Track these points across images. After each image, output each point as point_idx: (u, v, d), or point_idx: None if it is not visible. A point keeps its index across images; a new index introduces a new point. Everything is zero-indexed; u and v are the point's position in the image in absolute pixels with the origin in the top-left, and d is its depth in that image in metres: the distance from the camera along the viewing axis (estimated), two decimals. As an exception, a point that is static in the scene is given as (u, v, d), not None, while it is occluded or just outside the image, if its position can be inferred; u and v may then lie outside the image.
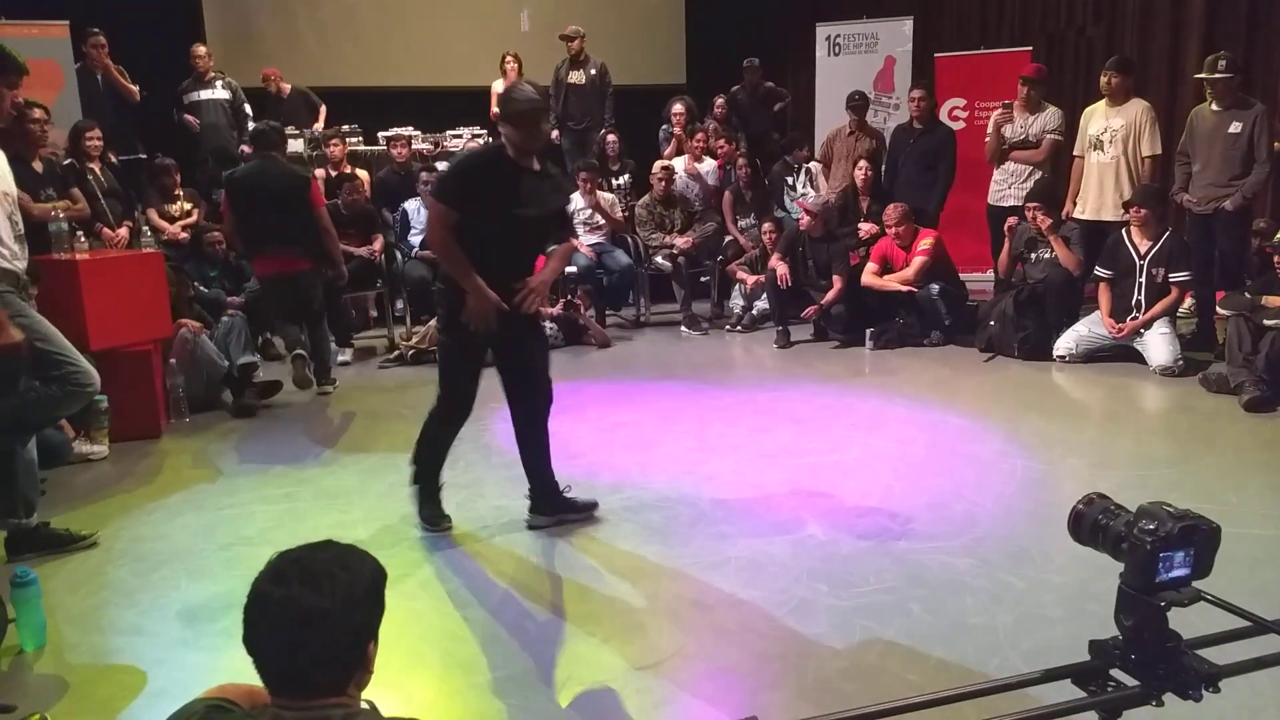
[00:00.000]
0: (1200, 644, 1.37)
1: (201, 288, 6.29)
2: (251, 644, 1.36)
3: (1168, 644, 1.34)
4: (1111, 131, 6.17)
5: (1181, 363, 5.55)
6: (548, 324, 6.81)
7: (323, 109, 8.52)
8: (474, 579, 3.23)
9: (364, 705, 1.40)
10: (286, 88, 8.37)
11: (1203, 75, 5.90)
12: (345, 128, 8.51)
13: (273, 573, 1.38)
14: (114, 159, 6.58)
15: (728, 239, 7.72)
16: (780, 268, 6.65)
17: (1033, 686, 1.40)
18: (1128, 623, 1.32)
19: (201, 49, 7.87)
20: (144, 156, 7.32)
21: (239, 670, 2.01)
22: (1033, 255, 6.25)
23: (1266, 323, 4.94)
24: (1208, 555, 1.34)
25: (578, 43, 8.30)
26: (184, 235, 6.65)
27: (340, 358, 6.50)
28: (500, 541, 3.55)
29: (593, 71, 8.37)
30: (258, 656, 1.36)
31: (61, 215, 4.70)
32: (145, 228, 6.12)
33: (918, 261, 6.42)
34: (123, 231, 6.15)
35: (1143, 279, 5.75)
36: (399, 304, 7.43)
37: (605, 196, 7.63)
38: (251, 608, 1.37)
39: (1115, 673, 1.38)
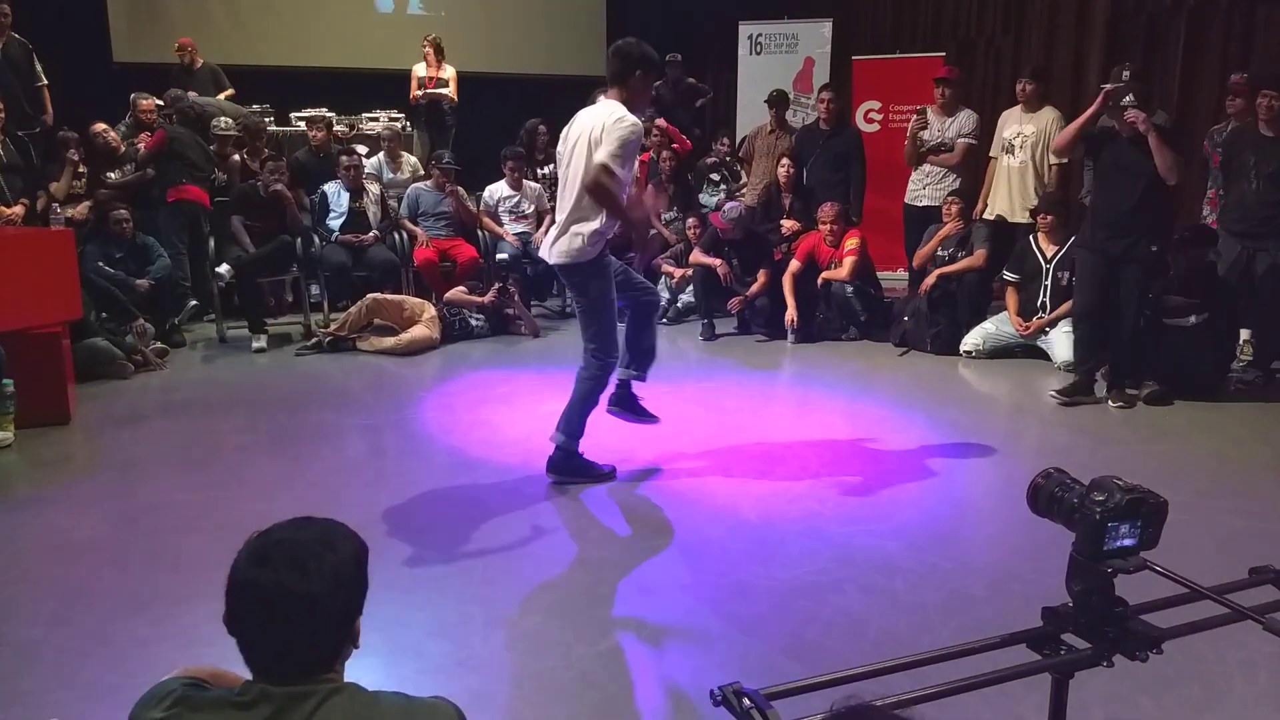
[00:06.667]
0: (1145, 609, 1.48)
1: (106, 267, 6.05)
2: (237, 628, 1.30)
3: (1115, 609, 1.44)
4: (1023, 136, 6.44)
5: (1083, 358, 5.82)
6: (473, 315, 6.75)
7: (229, 91, 8.30)
8: (416, 567, 3.21)
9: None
10: (199, 61, 8.12)
11: (1108, 85, 6.18)
12: (255, 107, 8.28)
13: (256, 555, 1.29)
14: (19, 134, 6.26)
15: (653, 232, 7.75)
16: (722, 266, 6.76)
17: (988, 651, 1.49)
18: (1077, 588, 1.42)
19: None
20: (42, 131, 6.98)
21: (169, 661, 1.97)
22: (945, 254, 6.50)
23: (1166, 321, 5.23)
24: (1154, 527, 1.44)
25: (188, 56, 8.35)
26: (87, 215, 6.38)
27: (254, 344, 6.32)
28: (440, 529, 3.52)
29: None
30: (245, 640, 1.30)
31: None
32: (56, 205, 5.82)
33: (849, 261, 6.59)
34: (17, 209, 5.83)
35: (1048, 281, 6.00)
36: (315, 289, 7.23)
37: (532, 186, 7.61)
38: (237, 593, 1.29)
39: (1067, 637, 1.48)
